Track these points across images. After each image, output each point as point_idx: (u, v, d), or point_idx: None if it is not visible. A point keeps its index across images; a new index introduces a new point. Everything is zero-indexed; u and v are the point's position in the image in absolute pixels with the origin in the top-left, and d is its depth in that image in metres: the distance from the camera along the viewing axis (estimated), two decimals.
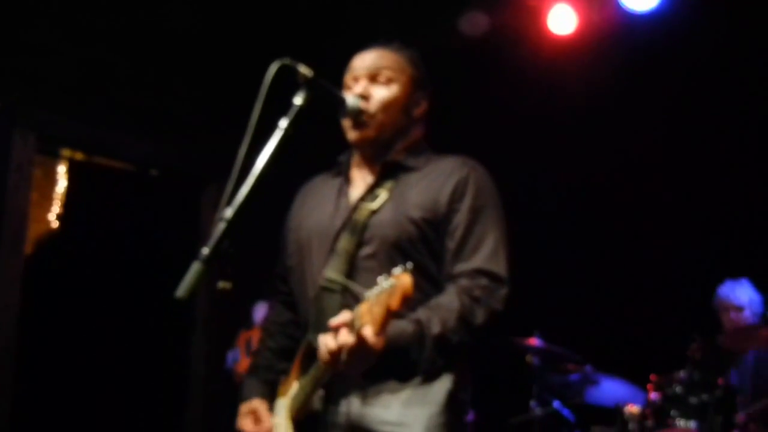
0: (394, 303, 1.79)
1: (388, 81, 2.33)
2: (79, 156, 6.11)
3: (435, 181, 2.25)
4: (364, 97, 2.29)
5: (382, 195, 2.25)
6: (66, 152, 6.16)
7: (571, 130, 5.29)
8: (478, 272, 2.14)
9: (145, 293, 5.87)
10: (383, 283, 1.82)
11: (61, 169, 6.77)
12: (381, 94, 2.31)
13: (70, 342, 6.13)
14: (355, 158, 2.41)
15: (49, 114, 5.05)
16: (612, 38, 4.91)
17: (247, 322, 5.91)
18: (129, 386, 6.20)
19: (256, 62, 1.97)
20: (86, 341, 6.16)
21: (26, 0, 4.76)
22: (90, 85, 5.16)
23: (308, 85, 2.03)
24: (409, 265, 1.83)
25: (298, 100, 2.01)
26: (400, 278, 1.79)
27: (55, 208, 6.88)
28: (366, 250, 2.18)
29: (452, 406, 2.13)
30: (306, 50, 2.78)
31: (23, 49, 4.86)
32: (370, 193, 2.28)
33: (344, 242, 2.21)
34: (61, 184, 6.79)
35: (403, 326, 1.99)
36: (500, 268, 2.17)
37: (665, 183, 5.23)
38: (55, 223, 6.88)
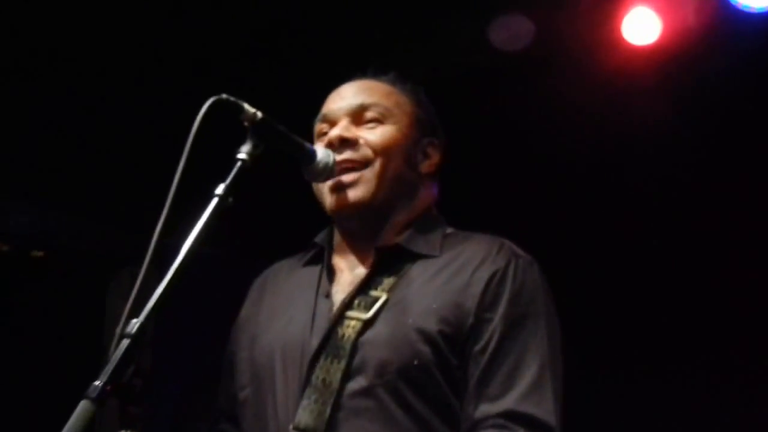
0: None
1: (381, 119, 2.18)
2: None
3: (457, 276, 2.07)
4: (347, 140, 2.12)
5: (380, 297, 2.07)
6: None
7: (652, 180, 5.04)
8: (511, 417, 1.95)
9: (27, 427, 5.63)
10: None
11: None
12: (374, 135, 2.16)
13: None
14: (337, 238, 2.24)
15: None
16: (712, 47, 4.76)
17: None
18: None
19: (190, 100, 1.86)
20: None
21: None
22: None
23: (257, 131, 1.86)
24: None
25: (241, 154, 1.84)
26: None
27: None
28: (357, 383, 1.98)
29: None
30: (262, 86, 2.67)
31: None
32: (362, 293, 2.09)
33: (324, 370, 2.01)
34: None
35: None
36: (544, 410, 1.98)
37: None
38: None
